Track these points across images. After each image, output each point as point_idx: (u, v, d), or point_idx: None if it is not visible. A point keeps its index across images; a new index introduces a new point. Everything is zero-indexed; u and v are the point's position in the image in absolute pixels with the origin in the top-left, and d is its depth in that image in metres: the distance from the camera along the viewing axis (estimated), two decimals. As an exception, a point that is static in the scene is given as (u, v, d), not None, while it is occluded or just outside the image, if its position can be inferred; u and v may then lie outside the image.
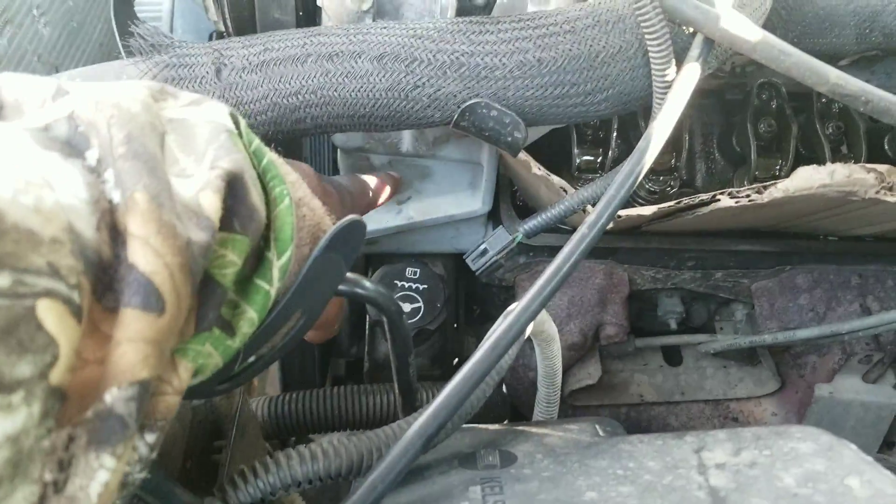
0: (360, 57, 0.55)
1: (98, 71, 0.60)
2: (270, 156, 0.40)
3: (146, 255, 0.29)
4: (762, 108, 0.84)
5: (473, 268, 0.68)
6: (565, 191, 0.70)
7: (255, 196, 0.36)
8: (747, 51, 0.55)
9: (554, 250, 0.49)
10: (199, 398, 0.40)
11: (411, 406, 0.54)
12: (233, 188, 0.35)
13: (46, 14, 1.12)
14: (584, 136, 0.83)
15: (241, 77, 0.56)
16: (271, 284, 0.38)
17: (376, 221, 0.83)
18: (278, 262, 0.38)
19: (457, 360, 0.95)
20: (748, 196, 0.66)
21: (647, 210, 0.70)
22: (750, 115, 0.83)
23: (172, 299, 0.30)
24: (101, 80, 0.59)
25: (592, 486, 0.41)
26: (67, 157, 0.30)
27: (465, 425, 0.51)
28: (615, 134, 0.82)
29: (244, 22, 0.67)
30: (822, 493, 0.38)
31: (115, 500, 0.30)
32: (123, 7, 0.79)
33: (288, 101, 0.56)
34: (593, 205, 0.66)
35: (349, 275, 0.44)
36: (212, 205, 0.33)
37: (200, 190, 0.33)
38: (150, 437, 0.32)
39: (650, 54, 0.55)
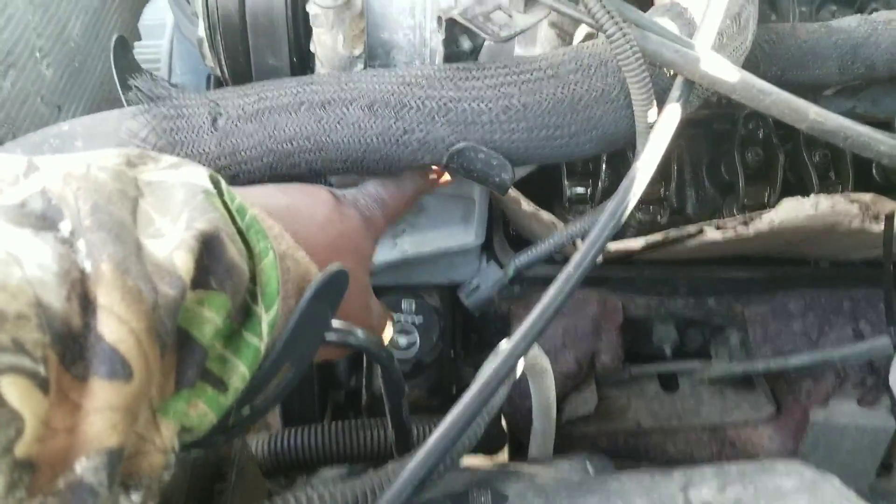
0: (351, 104, 0.57)
1: (98, 120, 0.62)
2: (253, 211, 0.41)
3: (111, 324, 0.31)
4: (749, 137, 0.86)
5: (466, 303, 0.69)
6: (555, 225, 0.72)
7: (234, 253, 0.37)
8: (727, 91, 0.56)
9: (547, 281, 0.50)
10: (197, 449, 0.41)
11: (405, 446, 0.56)
12: (208, 247, 0.36)
13: (49, 56, 1.14)
14: (574, 169, 0.85)
15: (236, 126, 0.57)
16: (261, 339, 0.39)
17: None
18: (267, 317, 0.39)
19: (455, 389, 0.96)
20: (734, 228, 0.67)
21: (636, 243, 0.72)
22: (737, 145, 0.84)
23: (140, 364, 0.31)
24: (101, 130, 0.61)
25: (581, 526, 0.42)
26: (40, 230, 0.32)
27: (463, 458, 0.52)
28: (605, 166, 0.83)
29: (240, 68, 0.68)
30: (802, 530, 0.39)
31: None
32: (123, 53, 0.81)
33: (283, 147, 0.58)
34: (583, 238, 0.68)
35: (341, 324, 0.45)
36: (184, 264, 0.34)
37: (174, 249, 0.34)
38: (137, 497, 0.33)
39: (632, 96, 0.56)
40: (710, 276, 0.88)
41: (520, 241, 0.89)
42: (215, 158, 0.58)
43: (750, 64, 0.72)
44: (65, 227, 0.32)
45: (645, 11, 0.61)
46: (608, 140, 0.59)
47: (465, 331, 1.01)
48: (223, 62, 0.68)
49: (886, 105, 0.89)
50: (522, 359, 0.52)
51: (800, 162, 0.85)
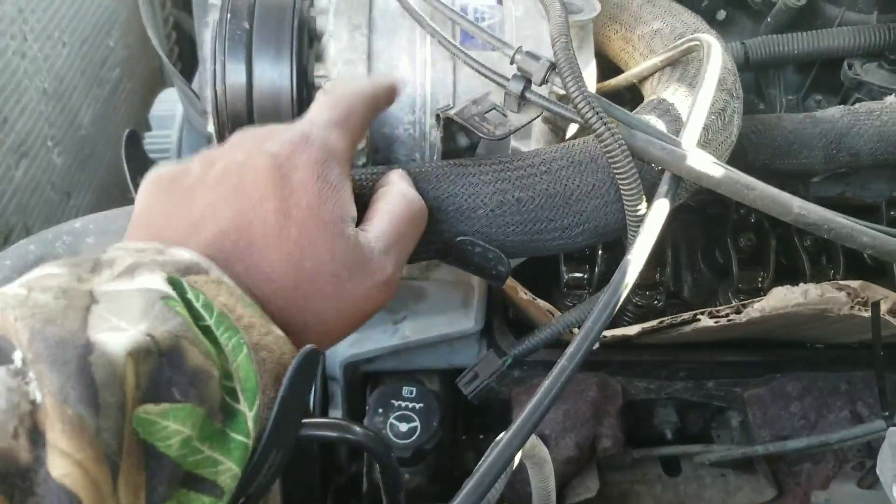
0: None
1: (110, 218, 0.64)
2: (221, 303, 0.40)
3: (55, 460, 0.31)
4: (741, 222, 0.88)
5: (465, 392, 0.70)
6: (552, 313, 0.73)
7: (198, 359, 0.37)
8: (713, 186, 0.59)
9: (547, 364, 0.52)
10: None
11: (404, 541, 0.56)
12: (170, 359, 0.36)
13: (60, 144, 1.18)
14: (570, 254, 0.87)
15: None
16: (248, 437, 0.39)
17: (373, 342, 0.85)
18: (251, 414, 0.39)
19: (457, 474, 0.96)
20: (727, 316, 0.69)
21: (632, 330, 0.73)
22: (730, 230, 0.87)
23: (89, 494, 0.31)
24: (112, 227, 0.63)
25: None
26: None
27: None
28: (601, 251, 0.85)
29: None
30: None
31: None
32: (133, 148, 0.84)
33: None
34: (579, 327, 0.69)
35: (338, 421, 0.46)
36: (132, 378, 0.34)
37: (127, 352, 0.34)
38: None
39: (622, 191, 0.58)
40: (709, 359, 0.89)
41: (520, 325, 0.90)
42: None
43: (738, 153, 0.75)
44: (17, 357, 0.33)
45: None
46: (600, 232, 0.61)
47: (466, 414, 1.02)
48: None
49: (875, 189, 0.92)
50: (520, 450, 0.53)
51: (792, 247, 0.87)
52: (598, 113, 0.56)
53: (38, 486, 0.30)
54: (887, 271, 0.87)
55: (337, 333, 0.50)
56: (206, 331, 0.39)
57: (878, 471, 0.48)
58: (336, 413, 0.90)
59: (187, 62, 1.55)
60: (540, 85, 0.60)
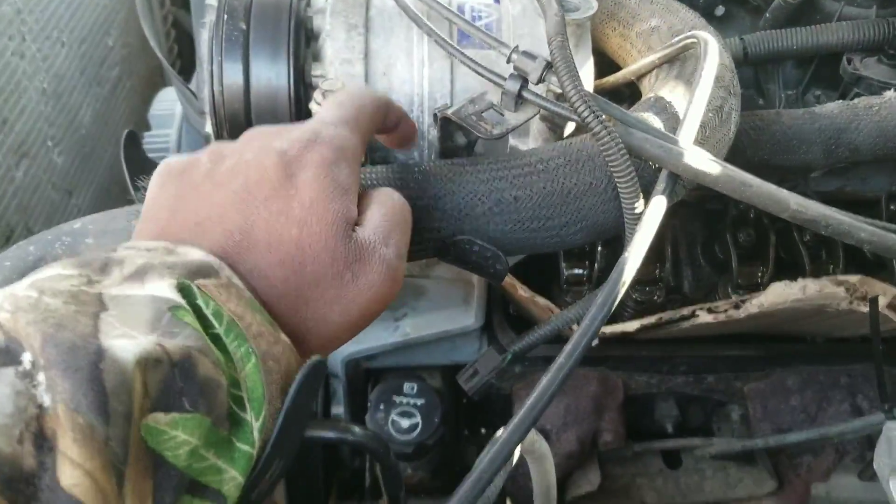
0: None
1: (109, 218, 0.64)
2: (231, 310, 0.40)
3: (65, 469, 0.31)
4: (740, 217, 0.88)
5: (465, 388, 0.71)
6: (552, 310, 0.73)
7: (208, 368, 0.37)
8: (710, 184, 0.59)
9: (549, 360, 0.52)
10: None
11: (404, 538, 0.56)
12: (181, 368, 0.36)
13: (60, 144, 1.18)
14: (570, 251, 0.87)
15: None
16: (253, 447, 0.39)
17: (374, 339, 0.86)
18: (257, 424, 0.39)
19: (458, 469, 0.96)
20: (726, 311, 0.69)
21: (631, 326, 0.73)
22: (729, 226, 0.87)
23: (98, 502, 0.31)
24: (111, 227, 0.63)
25: None
26: (1, 366, 0.32)
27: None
28: (600, 247, 0.85)
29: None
30: None
31: None
32: (132, 149, 0.84)
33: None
34: (578, 323, 0.69)
35: (338, 422, 0.46)
36: (140, 386, 0.34)
37: (137, 360, 0.34)
38: None
39: (619, 189, 0.58)
40: (709, 354, 0.89)
41: (520, 321, 0.90)
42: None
43: (738, 150, 0.75)
44: (27, 359, 0.32)
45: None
46: (597, 230, 0.62)
47: (468, 410, 1.02)
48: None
49: (875, 183, 0.91)
50: (520, 445, 0.53)
51: (791, 242, 0.87)
52: (594, 111, 0.56)
53: (41, 493, 0.30)
54: (887, 266, 0.87)
55: (342, 336, 0.49)
56: (216, 339, 0.39)
57: (874, 465, 0.49)
58: (338, 409, 0.91)
59: (187, 60, 1.55)
60: (537, 84, 0.60)
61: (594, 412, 0.90)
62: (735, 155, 0.71)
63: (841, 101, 0.84)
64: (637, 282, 0.86)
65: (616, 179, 0.58)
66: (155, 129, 1.15)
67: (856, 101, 0.82)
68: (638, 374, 0.91)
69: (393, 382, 0.88)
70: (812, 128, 0.80)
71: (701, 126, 0.61)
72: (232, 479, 0.39)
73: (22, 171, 1.07)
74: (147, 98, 1.33)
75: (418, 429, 0.84)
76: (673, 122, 0.63)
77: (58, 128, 1.18)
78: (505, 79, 0.60)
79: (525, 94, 0.59)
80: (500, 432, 0.50)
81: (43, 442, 0.31)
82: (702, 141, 0.62)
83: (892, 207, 0.89)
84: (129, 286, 0.38)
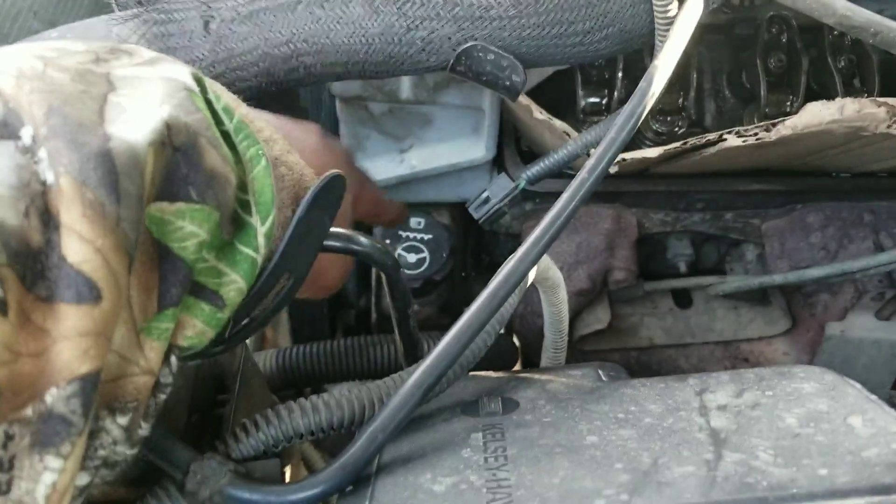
0: (350, 1, 0.54)
1: (88, 26, 0.60)
2: (242, 112, 0.38)
3: (73, 244, 0.28)
4: (772, 42, 0.82)
5: (476, 216, 0.68)
6: (568, 135, 0.69)
7: (216, 160, 0.35)
8: (751, -17, 0.53)
9: (560, 196, 0.48)
10: (194, 360, 0.40)
11: (413, 357, 0.54)
12: (185, 154, 0.33)
13: (41, -32, 1.10)
14: (588, 77, 0.81)
15: (230, 29, 0.55)
16: (257, 252, 0.37)
17: (379, 172, 0.82)
18: (262, 228, 0.37)
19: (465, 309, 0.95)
20: (756, 134, 0.65)
21: (653, 152, 0.69)
22: (759, 51, 0.81)
23: (109, 284, 0.29)
24: (90, 36, 0.59)
25: (593, 430, 0.41)
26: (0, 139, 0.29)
27: (472, 373, 0.51)
28: (621, 74, 0.80)
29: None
30: (823, 432, 0.38)
31: (73, 496, 0.30)
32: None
33: (279, 50, 0.55)
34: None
35: (343, 231, 0.43)
36: (151, 165, 0.32)
37: (146, 141, 0.32)
38: (123, 420, 0.32)
39: (651, -11, 0.53)
40: (728, 189, 0.85)
41: (531, 157, 0.86)
42: (209, 66, 0.56)
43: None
44: (26, 134, 0.30)
45: None
46: (625, 38, 0.56)
47: (476, 251, 1.00)
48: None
49: (915, 9, 0.85)
50: (534, 270, 0.50)
51: (824, 68, 0.81)
52: None
53: (49, 271, 0.28)
54: (923, 95, 0.82)
55: None
56: (225, 136, 0.36)
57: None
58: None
59: None
60: None
61: (606, 250, 0.87)
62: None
63: None
64: (658, 111, 0.81)
65: (648, -23, 0.52)
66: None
67: None
68: (653, 211, 0.88)
69: (399, 216, 0.84)
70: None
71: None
72: (233, 282, 0.37)
73: (1, -3, 1.00)
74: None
75: (426, 263, 0.82)
76: (712, -85, 0.56)
77: (36, -49, 1.10)
78: None
79: None
80: (516, 252, 0.48)
81: (49, 219, 0.29)
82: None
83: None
84: (141, 68, 0.36)
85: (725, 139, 0.65)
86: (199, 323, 0.36)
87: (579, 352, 0.94)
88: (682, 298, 0.99)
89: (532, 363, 0.94)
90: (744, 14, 0.84)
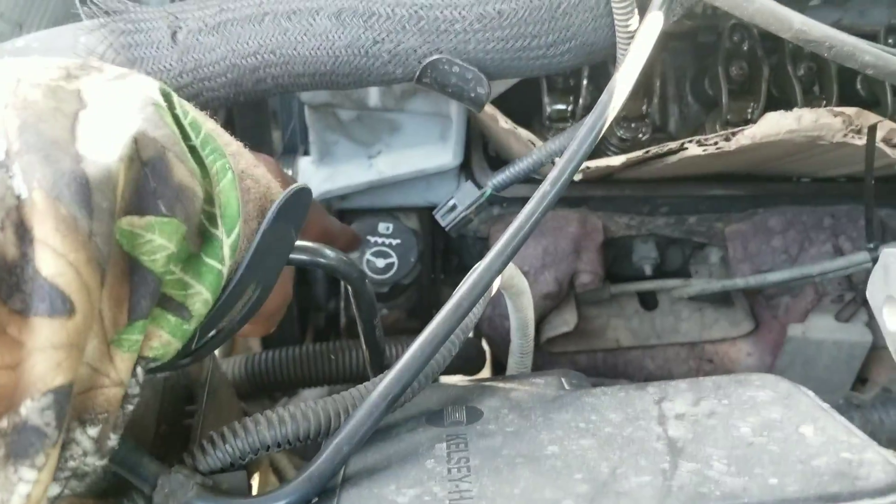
0: (318, 14, 0.54)
1: (54, 35, 0.59)
2: (209, 127, 0.39)
3: (47, 258, 0.29)
4: (734, 50, 0.83)
5: (443, 223, 0.68)
6: (533, 143, 0.70)
7: (183, 174, 0.35)
8: (710, -1, 0.54)
9: (527, 201, 0.49)
10: (162, 372, 0.41)
11: (379, 366, 0.55)
12: (153, 168, 0.34)
13: (6, -29, 1.09)
14: (554, 85, 0.82)
15: (197, 39, 0.55)
16: (223, 263, 0.37)
17: (348, 177, 0.83)
18: (228, 240, 0.38)
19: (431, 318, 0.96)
20: (716, 143, 0.66)
21: (616, 160, 0.70)
22: (721, 59, 0.82)
23: (82, 297, 0.30)
24: (57, 45, 0.58)
25: (554, 440, 0.42)
26: None
27: (442, 379, 0.52)
28: (586, 81, 0.81)
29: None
30: (776, 441, 0.39)
31: None
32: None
33: (247, 61, 0.56)
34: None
35: (309, 244, 0.44)
36: (123, 182, 0.33)
37: (118, 160, 0.32)
38: (93, 431, 0.32)
39: (612, 4, 0.54)
40: (692, 194, 0.87)
41: (499, 162, 0.87)
42: (177, 76, 0.56)
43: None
44: (0, 149, 0.30)
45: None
46: (587, 51, 0.57)
47: (445, 254, 1.01)
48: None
49: (873, 16, 0.87)
50: (499, 278, 0.51)
51: (784, 76, 0.83)
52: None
53: (25, 284, 0.29)
54: (881, 102, 0.84)
55: None
56: (192, 151, 0.37)
57: (867, 294, 0.47)
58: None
59: None
60: None
61: (573, 253, 0.89)
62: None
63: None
64: (622, 118, 0.83)
65: (609, -8, 0.53)
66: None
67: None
68: (618, 215, 0.89)
69: (367, 222, 0.85)
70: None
71: (702, -65, 0.56)
72: (198, 294, 0.37)
73: (-36, -2, 0.99)
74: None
75: (394, 268, 0.82)
76: (672, -69, 0.57)
77: (1, -47, 1.08)
78: None
79: None
80: (481, 261, 0.48)
81: (24, 233, 0.29)
82: (702, -48, 0.57)
83: (889, 41, 0.85)
84: (109, 84, 0.36)
85: (686, 148, 0.67)
86: (164, 334, 0.37)
87: (547, 353, 0.95)
88: (648, 300, 1.01)
89: (501, 364, 0.95)
90: (707, 22, 0.85)
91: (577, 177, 0.70)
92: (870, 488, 0.35)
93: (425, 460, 0.42)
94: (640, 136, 0.84)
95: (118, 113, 0.34)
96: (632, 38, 0.54)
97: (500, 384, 0.51)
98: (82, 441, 0.33)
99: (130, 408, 0.36)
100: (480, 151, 0.87)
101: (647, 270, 0.95)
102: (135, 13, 0.57)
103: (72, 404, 0.31)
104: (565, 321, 0.92)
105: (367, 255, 0.83)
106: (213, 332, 0.41)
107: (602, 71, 0.82)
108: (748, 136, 0.64)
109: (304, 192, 0.43)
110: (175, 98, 0.38)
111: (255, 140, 0.89)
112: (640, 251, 0.95)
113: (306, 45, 0.55)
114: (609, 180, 0.85)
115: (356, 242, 0.74)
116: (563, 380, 0.51)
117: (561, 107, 0.83)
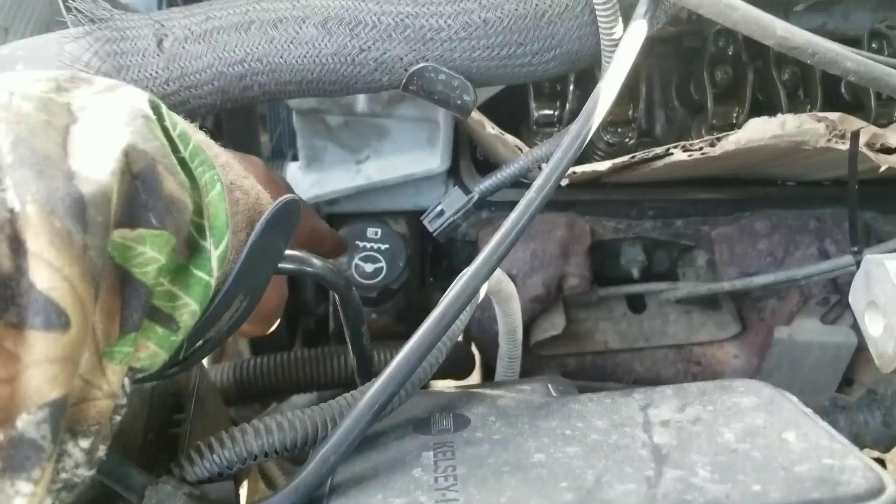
0: (304, 22, 0.55)
1: (40, 43, 0.59)
2: (198, 139, 0.39)
3: (41, 272, 0.29)
4: (719, 55, 0.84)
5: (430, 229, 0.68)
6: (520, 149, 0.70)
7: (173, 186, 0.35)
8: (693, 6, 0.55)
9: (515, 205, 0.50)
10: (149, 382, 0.41)
11: (367, 373, 0.55)
12: (143, 181, 0.34)
13: (-8, -25, 1.08)
14: (541, 91, 0.83)
15: (183, 47, 0.55)
16: (211, 275, 0.38)
17: (336, 182, 0.83)
18: (216, 252, 0.38)
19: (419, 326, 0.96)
20: (701, 149, 0.66)
21: (602, 165, 0.71)
22: (706, 63, 0.83)
23: (76, 311, 0.30)
24: (42, 53, 0.58)
25: (541, 448, 0.42)
26: None
27: (431, 383, 0.52)
28: (572, 87, 0.81)
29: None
30: (759, 447, 0.40)
31: None
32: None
33: (233, 69, 0.56)
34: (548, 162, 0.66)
35: (296, 253, 0.44)
36: (117, 195, 0.33)
37: (112, 171, 0.32)
38: (85, 443, 0.32)
39: (597, 12, 0.54)
40: (678, 198, 0.88)
41: (487, 166, 0.87)
42: (163, 84, 0.56)
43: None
44: None
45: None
46: (572, 58, 0.58)
47: (434, 257, 1.01)
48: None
49: (857, 21, 0.88)
50: (486, 284, 0.51)
51: (769, 81, 0.84)
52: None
53: (20, 297, 0.29)
54: (864, 107, 0.85)
55: None
56: (182, 163, 0.37)
57: (850, 299, 0.48)
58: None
59: None
60: None
61: (561, 256, 0.89)
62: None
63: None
64: (609, 123, 0.83)
65: (594, 1, 0.54)
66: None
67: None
68: (606, 218, 0.90)
69: (356, 227, 0.85)
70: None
71: (686, -57, 0.56)
72: (186, 306, 0.37)
73: (-51, 3, 0.98)
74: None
75: (382, 273, 0.83)
76: (656, -61, 0.58)
77: (-14, -43, 1.08)
78: None
79: None
80: (468, 269, 0.49)
81: (18, 246, 0.29)
82: (686, -40, 0.58)
83: (873, 46, 0.86)
84: (99, 97, 0.37)
85: (672, 153, 0.67)
86: (152, 345, 0.37)
87: (536, 356, 0.95)
88: (636, 303, 1.01)
89: (490, 367, 0.95)
90: (692, 27, 0.86)
91: (564, 182, 0.71)
92: (850, 494, 0.35)
93: (412, 469, 0.42)
94: (627, 140, 0.84)
95: (108, 126, 0.35)
96: (616, 45, 0.55)
97: (488, 391, 0.51)
98: (74, 453, 0.33)
99: (118, 418, 0.36)
100: (468, 156, 0.87)
101: (635, 273, 0.96)
102: (120, 21, 0.57)
103: (65, 417, 0.31)
104: (554, 324, 0.92)
105: (356, 260, 0.83)
106: (200, 343, 0.42)
107: (589, 76, 0.82)
108: (733, 141, 0.65)
109: (293, 203, 0.44)
110: (164, 110, 0.38)
111: (244, 145, 0.89)
112: (628, 254, 0.95)
113: (293, 53, 0.55)
114: (596, 184, 0.85)
115: (343, 247, 0.74)
116: (549, 386, 0.51)
117: (548, 112, 0.84)
